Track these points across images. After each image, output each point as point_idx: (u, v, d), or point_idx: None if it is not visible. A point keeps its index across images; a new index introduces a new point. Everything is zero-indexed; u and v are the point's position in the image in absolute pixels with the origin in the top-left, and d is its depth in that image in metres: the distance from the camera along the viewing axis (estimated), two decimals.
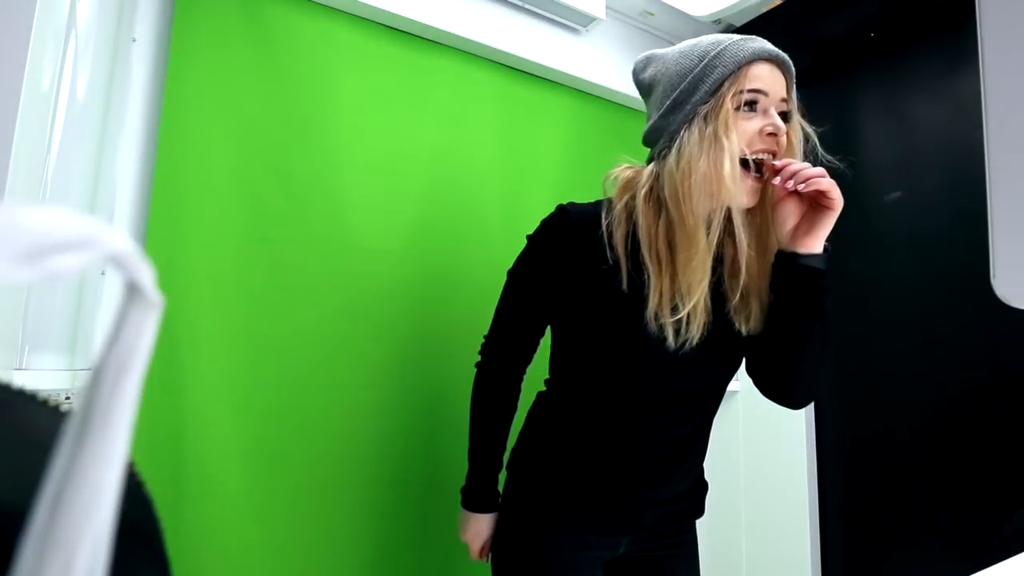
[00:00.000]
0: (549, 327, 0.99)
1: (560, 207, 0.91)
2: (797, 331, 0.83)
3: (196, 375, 1.17)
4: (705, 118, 0.79)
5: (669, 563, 1.01)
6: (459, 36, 1.51)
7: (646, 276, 0.81)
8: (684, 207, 0.79)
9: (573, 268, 0.86)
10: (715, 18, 1.76)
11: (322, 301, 1.31)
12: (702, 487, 1.06)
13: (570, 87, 1.76)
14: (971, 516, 1.29)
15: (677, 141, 0.81)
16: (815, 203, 0.80)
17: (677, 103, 0.83)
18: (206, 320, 1.19)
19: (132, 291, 0.17)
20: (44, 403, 0.25)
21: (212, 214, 1.22)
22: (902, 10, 1.47)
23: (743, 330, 0.86)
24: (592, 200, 0.93)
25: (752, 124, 0.79)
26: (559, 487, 0.93)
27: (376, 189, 1.40)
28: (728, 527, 1.71)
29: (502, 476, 1.03)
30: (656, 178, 0.84)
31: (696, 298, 0.79)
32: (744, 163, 0.79)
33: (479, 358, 1.03)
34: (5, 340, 0.92)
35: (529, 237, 0.95)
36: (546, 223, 0.92)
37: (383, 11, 1.41)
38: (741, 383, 1.73)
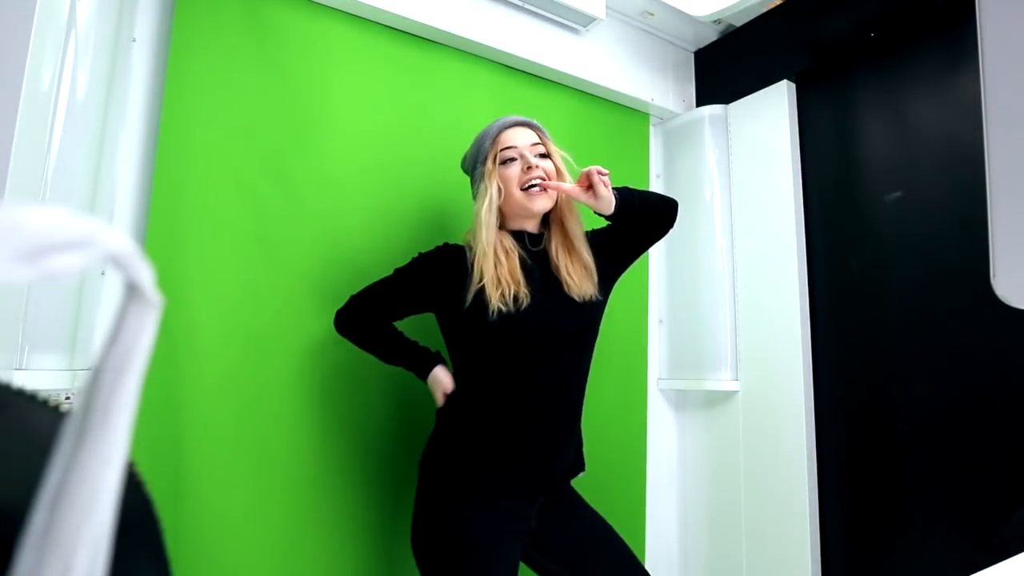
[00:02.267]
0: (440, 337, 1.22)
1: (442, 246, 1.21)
2: (643, 222, 1.24)
3: (196, 375, 1.17)
4: (482, 177, 1.19)
5: (573, 512, 1.19)
6: (459, 36, 1.51)
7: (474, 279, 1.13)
8: (476, 235, 1.15)
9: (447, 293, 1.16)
10: (715, 18, 1.76)
11: (321, 301, 1.31)
12: (580, 439, 1.23)
13: (570, 87, 1.76)
14: (971, 516, 1.29)
15: (476, 196, 1.21)
16: (590, 187, 1.14)
17: (475, 177, 1.22)
18: (206, 320, 1.19)
19: (131, 291, 0.17)
20: (44, 403, 0.25)
21: (212, 214, 1.22)
22: (902, 10, 1.47)
23: (576, 296, 1.15)
24: None
25: (514, 168, 1.17)
26: (471, 465, 1.11)
27: (376, 189, 1.41)
28: (728, 527, 1.71)
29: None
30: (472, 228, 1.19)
31: (492, 290, 1.09)
32: (523, 189, 1.16)
33: (335, 317, 1.22)
34: (5, 340, 0.92)
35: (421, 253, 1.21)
36: (430, 253, 1.20)
37: (383, 11, 1.41)
38: (741, 383, 1.73)
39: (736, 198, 1.82)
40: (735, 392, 1.74)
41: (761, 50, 1.79)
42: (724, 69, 1.91)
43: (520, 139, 1.18)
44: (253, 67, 1.29)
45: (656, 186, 1.97)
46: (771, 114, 1.73)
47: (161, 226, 1.17)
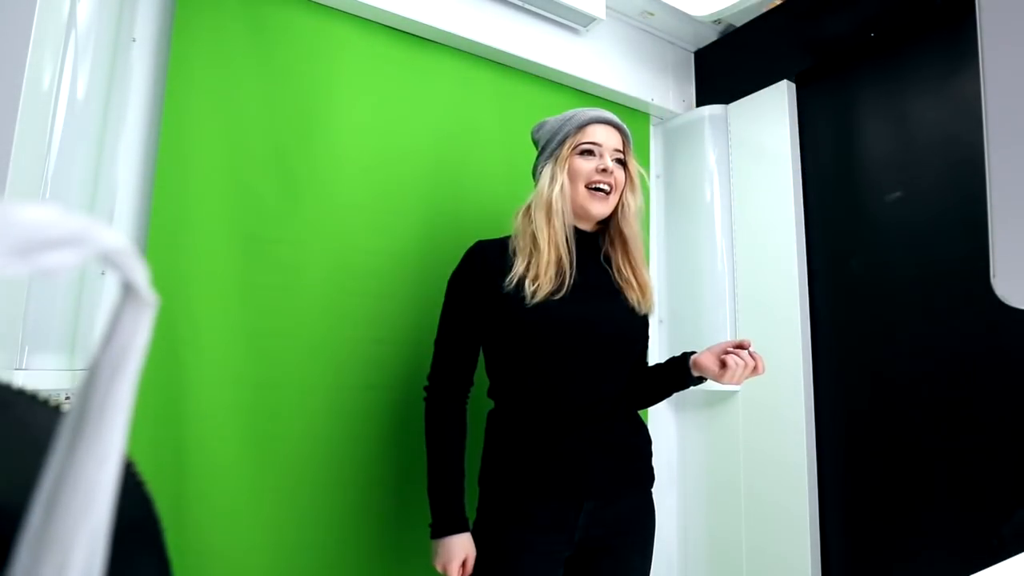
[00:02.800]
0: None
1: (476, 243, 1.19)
2: (656, 399, 1.29)
3: (197, 374, 1.17)
4: (553, 159, 1.15)
5: (622, 552, 1.15)
6: (459, 36, 1.51)
7: (519, 266, 1.10)
8: (535, 217, 1.12)
9: (486, 292, 1.12)
10: (715, 18, 1.76)
11: (322, 301, 1.31)
12: (639, 446, 1.22)
13: (570, 87, 1.76)
14: (971, 516, 1.29)
15: (538, 175, 1.18)
16: (723, 363, 1.10)
17: (545, 152, 1.18)
18: (207, 319, 1.19)
19: (127, 290, 0.17)
20: (44, 403, 0.25)
21: (213, 213, 1.22)
22: (902, 10, 1.47)
23: (625, 300, 1.15)
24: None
25: (588, 164, 1.13)
26: (505, 470, 1.09)
27: (376, 189, 1.41)
28: (728, 527, 1.71)
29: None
30: (529, 202, 1.17)
31: (543, 277, 1.08)
32: (589, 189, 1.14)
33: (425, 394, 1.17)
34: (5, 340, 0.92)
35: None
36: (458, 269, 1.19)
37: (383, 11, 1.41)
38: (741, 383, 1.73)
39: (736, 198, 1.82)
40: (735, 392, 1.74)
41: (761, 50, 1.79)
42: (724, 69, 1.91)
43: (606, 138, 1.14)
44: (254, 67, 1.29)
45: (656, 186, 1.97)
46: (771, 114, 1.73)
47: (162, 226, 1.17)
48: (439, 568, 1.06)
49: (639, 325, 1.18)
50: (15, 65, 0.85)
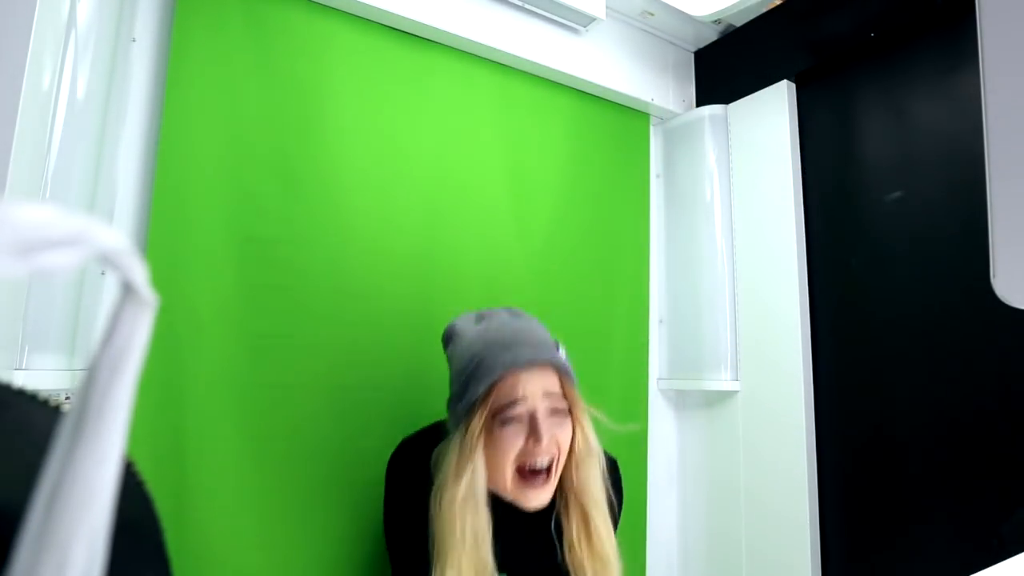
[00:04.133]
0: None
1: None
2: None
3: (197, 374, 1.17)
4: (466, 430, 0.83)
5: None
6: (459, 36, 1.51)
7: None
8: (444, 501, 0.84)
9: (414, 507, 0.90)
10: (715, 18, 1.76)
11: (322, 301, 1.31)
12: None
13: (570, 87, 1.76)
14: (971, 516, 1.29)
15: (449, 434, 0.88)
16: None
17: (452, 406, 0.89)
18: (207, 319, 1.19)
19: (126, 290, 0.17)
20: (44, 403, 0.25)
21: (213, 214, 1.22)
22: (902, 10, 1.47)
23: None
24: None
25: (515, 438, 0.82)
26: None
27: (376, 189, 1.40)
28: (728, 527, 1.71)
29: None
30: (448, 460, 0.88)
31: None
32: (521, 473, 0.83)
33: None
34: (5, 340, 0.92)
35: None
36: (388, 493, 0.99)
37: (383, 11, 1.41)
38: (741, 383, 1.73)
39: (736, 198, 1.82)
40: (735, 392, 1.74)
41: (761, 50, 1.79)
42: (724, 69, 1.91)
43: (532, 387, 0.83)
44: (254, 67, 1.29)
45: (656, 186, 1.97)
46: (771, 114, 1.73)
47: (162, 226, 1.17)
48: None
49: None
50: (15, 65, 0.85)
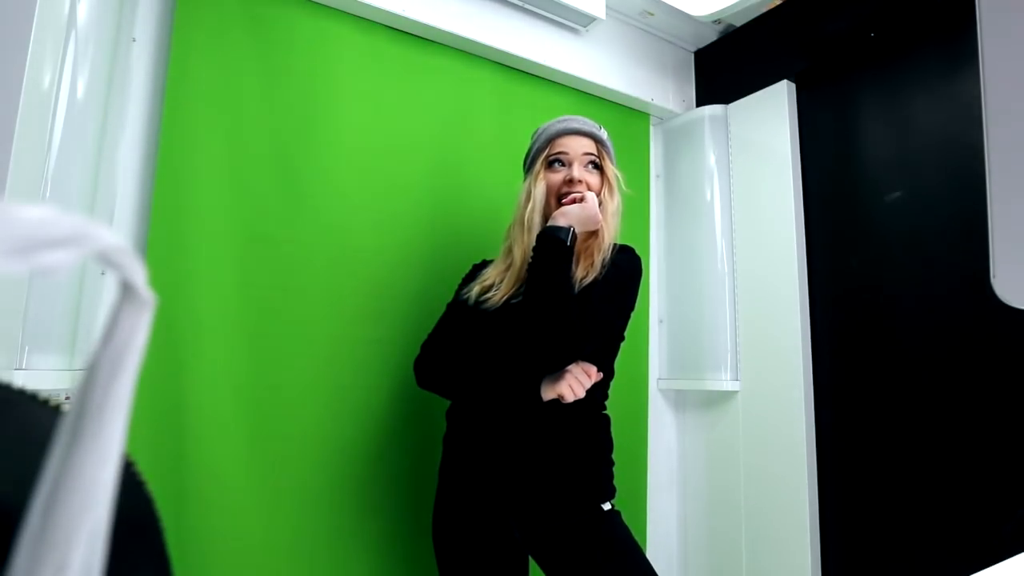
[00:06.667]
0: None
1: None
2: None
3: (197, 374, 1.17)
4: (529, 174, 1.19)
5: (562, 546, 1.06)
6: (459, 36, 1.51)
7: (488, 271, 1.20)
8: (513, 232, 1.17)
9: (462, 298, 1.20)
10: (715, 18, 1.76)
11: (322, 300, 1.31)
12: (583, 469, 1.10)
13: (570, 87, 1.76)
14: (971, 516, 1.29)
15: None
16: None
17: (525, 168, 1.24)
18: (207, 319, 1.19)
19: (125, 290, 0.17)
20: (44, 403, 0.25)
21: (213, 213, 1.22)
22: (902, 10, 1.47)
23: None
24: None
25: (556, 176, 1.15)
26: (453, 485, 1.13)
27: (376, 188, 1.41)
28: (728, 527, 1.71)
29: None
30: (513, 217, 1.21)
31: (507, 284, 1.13)
32: (560, 202, 1.13)
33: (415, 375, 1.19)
34: (5, 340, 0.92)
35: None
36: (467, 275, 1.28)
37: (383, 11, 1.41)
38: (741, 383, 1.73)
39: (736, 198, 1.82)
40: (735, 392, 1.74)
41: (761, 50, 1.79)
42: (724, 69, 1.91)
43: (575, 146, 1.15)
44: (253, 67, 1.29)
45: (656, 186, 1.97)
46: (771, 114, 1.73)
47: (163, 226, 1.17)
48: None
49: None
50: (15, 65, 0.85)
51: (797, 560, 1.54)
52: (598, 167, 1.17)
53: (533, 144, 1.21)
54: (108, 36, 1.08)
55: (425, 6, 1.46)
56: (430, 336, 1.22)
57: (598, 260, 1.12)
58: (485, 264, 1.26)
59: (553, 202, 1.14)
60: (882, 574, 1.45)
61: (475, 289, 1.16)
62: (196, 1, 1.24)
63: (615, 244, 1.17)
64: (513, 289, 1.13)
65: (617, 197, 1.17)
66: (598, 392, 1.13)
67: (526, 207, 1.15)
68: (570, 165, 1.14)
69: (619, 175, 1.18)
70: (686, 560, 1.82)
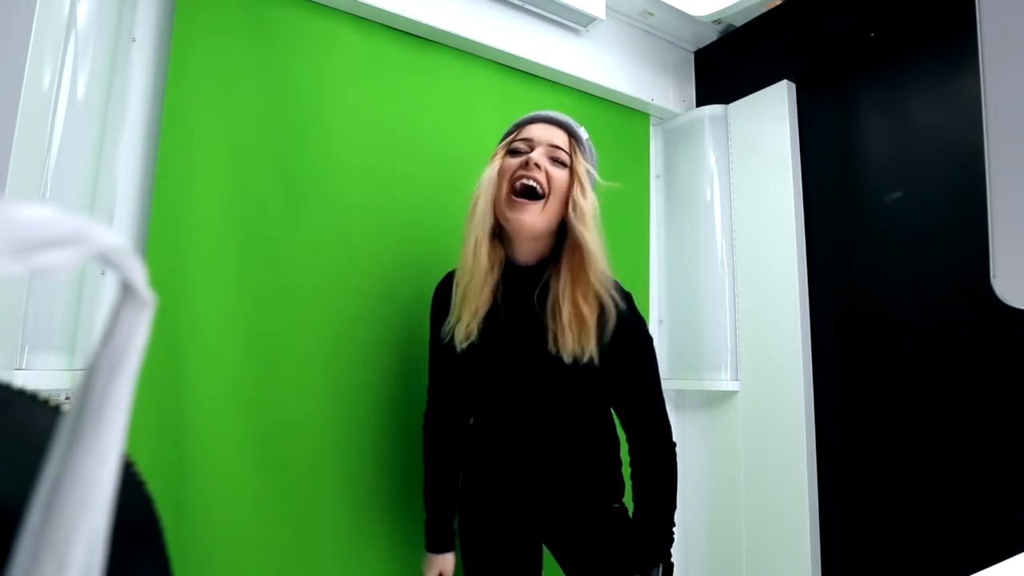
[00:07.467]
0: None
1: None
2: None
3: (197, 374, 1.17)
4: (490, 163, 1.06)
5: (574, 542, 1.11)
6: (459, 36, 1.51)
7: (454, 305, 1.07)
8: (465, 231, 1.05)
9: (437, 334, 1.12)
10: (715, 18, 1.76)
11: (322, 301, 1.31)
12: (591, 474, 1.12)
13: (570, 87, 1.76)
14: (971, 516, 1.29)
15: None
16: None
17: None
18: (207, 319, 1.19)
19: (125, 290, 0.17)
20: (44, 403, 0.25)
21: (213, 214, 1.22)
22: (902, 10, 1.47)
23: (555, 351, 1.00)
24: None
25: (515, 160, 1.01)
26: (472, 499, 1.15)
27: (376, 189, 1.40)
28: (728, 527, 1.71)
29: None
30: None
31: (466, 317, 1.01)
32: (513, 191, 0.99)
33: (423, 420, 1.22)
34: (5, 340, 0.92)
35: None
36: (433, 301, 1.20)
37: (383, 11, 1.41)
38: (741, 383, 1.73)
39: (736, 198, 1.82)
40: (735, 392, 1.74)
41: (761, 50, 1.79)
42: (724, 69, 1.91)
43: (541, 134, 1.02)
44: (254, 67, 1.29)
45: (656, 186, 1.97)
46: (771, 114, 1.73)
47: (163, 226, 1.17)
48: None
49: (576, 376, 1.02)
50: (15, 65, 0.85)
51: (797, 560, 1.54)
52: (566, 165, 1.02)
53: (508, 131, 1.13)
54: (108, 36, 1.08)
55: (425, 6, 1.46)
56: (430, 381, 1.20)
57: (588, 314, 0.98)
58: (441, 288, 1.18)
59: (505, 188, 0.99)
60: (882, 574, 1.45)
61: (459, 334, 1.04)
62: (196, 1, 1.23)
63: (615, 285, 1.05)
64: (476, 327, 1.02)
65: (591, 197, 1.02)
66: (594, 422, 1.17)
67: (475, 193, 1.04)
68: (531, 151, 1.01)
69: (594, 174, 1.05)
70: (686, 560, 1.82)
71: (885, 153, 1.54)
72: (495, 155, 1.04)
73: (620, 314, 1.01)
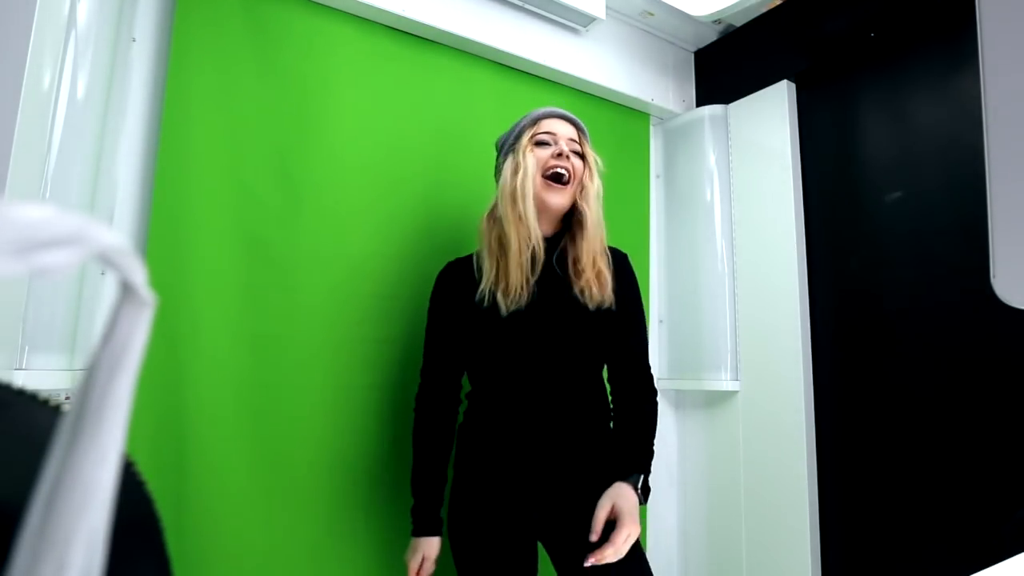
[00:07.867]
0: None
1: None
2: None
3: (197, 374, 1.17)
4: (513, 152, 1.18)
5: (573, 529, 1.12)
6: (459, 36, 1.51)
7: (485, 269, 1.15)
8: (503, 211, 1.14)
9: (456, 306, 1.19)
10: (715, 18, 1.76)
11: (322, 301, 1.31)
12: (595, 447, 1.18)
13: (570, 87, 1.76)
14: (971, 516, 1.29)
15: (499, 173, 1.21)
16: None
17: (504, 150, 1.23)
18: (207, 319, 1.19)
19: (125, 290, 0.17)
20: (44, 403, 0.25)
21: (213, 213, 1.22)
22: (902, 10, 1.47)
23: (588, 305, 1.14)
24: None
25: (544, 152, 1.16)
26: (472, 476, 1.16)
27: (376, 189, 1.40)
28: (728, 527, 1.71)
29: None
30: (494, 203, 1.20)
31: (513, 285, 1.11)
32: (546, 177, 1.15)
33: (415, 403, 1.22)
34: (5, 340, 0.92)
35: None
36: (434, 289, 1.24)
37: (383, 11, 1.41)
38: (741, 383, 1.73)
39: (736, 198, 1.82)
40: (735, 392, 1.74)
41: (761, 50, 1.79)
42: (724, 69, 1.91)
43: (560, 129, 1.19)
44: (254, 67, 1.29)
45: (656, 186, 1.97)
46: (771, 114, 1.73)
47: (162, 226, 1.17)
48: (406, 559, 1.15)
49: (591, 322, 1.16)
50: (15, 65, 0.85)
51: (797, 560, 1.54)
52: (580, 155, 1.20)
53: (516, 126, 1.22)
54: (108, 36, 1.08)
55: (425, 6, 1.46)
56: (425, 359, 1.21)
57: (605, 269, 1.15)
58: (456, 265, 1.23)
59: (539, 179, 1.14)
60: (882, 574, 1.45)
61: (508, 298, 1.12)
62: (196, 1, 1.23)
63: (609, 250, 1.20)
64: (525, 292, 1.12)
65: (597, 181, 1.20)
66: (603, 385, 1.22)
67: (515, 177, 1.14)
68: (556, 144, 1.17)
69: (598, 159, 1.21)
70: (686, 560, 1.82)
71: (885, 153, 1.54)
72: (521, 146, 1.17)
73: (618, 259, 1.22)
